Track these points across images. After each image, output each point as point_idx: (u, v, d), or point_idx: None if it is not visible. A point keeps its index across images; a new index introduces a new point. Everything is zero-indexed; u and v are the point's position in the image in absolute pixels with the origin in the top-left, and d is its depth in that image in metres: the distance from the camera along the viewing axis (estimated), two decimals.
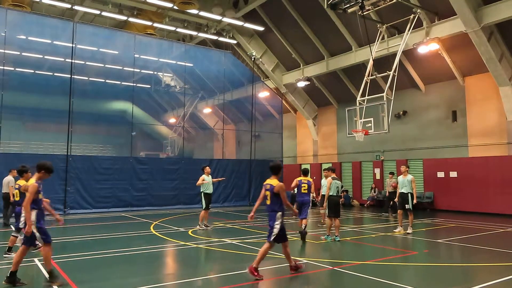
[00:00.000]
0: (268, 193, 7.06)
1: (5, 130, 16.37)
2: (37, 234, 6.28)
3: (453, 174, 18.28)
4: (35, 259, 7.91)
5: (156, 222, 14.07)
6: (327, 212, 10.68)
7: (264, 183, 7.28)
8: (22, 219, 6.72)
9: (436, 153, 19.23)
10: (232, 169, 22.08)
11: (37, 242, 6.94)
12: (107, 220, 15.02)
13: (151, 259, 8.65)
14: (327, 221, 10.83)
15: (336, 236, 10.44)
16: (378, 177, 21.58)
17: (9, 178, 13.05)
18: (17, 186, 8.75)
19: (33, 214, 6.29)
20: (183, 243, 10.10)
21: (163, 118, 28.50)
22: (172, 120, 27.88)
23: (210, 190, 12.85)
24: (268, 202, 7.09)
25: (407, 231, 11.66)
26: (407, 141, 20.45)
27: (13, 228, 8.58)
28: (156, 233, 11.71)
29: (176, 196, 19.82)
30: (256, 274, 6.69)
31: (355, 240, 10.64)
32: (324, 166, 25.11)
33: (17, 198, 8.67)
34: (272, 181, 7.10)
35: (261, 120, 24.93)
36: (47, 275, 6.36)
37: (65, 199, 16.78)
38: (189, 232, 11.89)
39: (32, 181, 6.39)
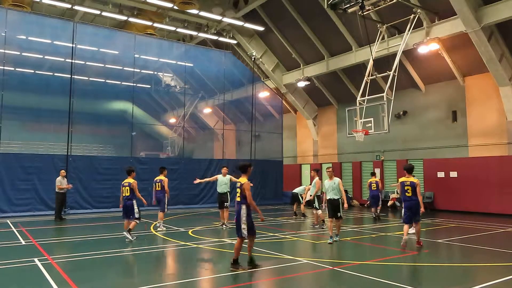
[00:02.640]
0: (409, 187, 9.49)
1: (5, 130, 16.36)
2: (243, 226, 7.23)
3: (453, 174, 18.28)
4: (36, 259, 7.92)
5: (156, 222, 14.06)
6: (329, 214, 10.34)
7: (402, 181, 9.68)
8: (136, 210, 10.20)
9: (436, 153, 19.23)
10: (232, 169, 22.00)
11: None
12: (107, 220, 15.02)
13: (151, 259, 8.66)
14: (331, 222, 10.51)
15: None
16: (378, 177, 21.54)
17: (58, 179, 15.06)
18: (126, 184, 10.32)
19: (244, 208, 7.25)
20: (183, 243, 10.10)
21: (163, 118, 28.49)
22: (172, 120, 27.88)
23: (219, 189, 13.36)
24: (409, 194, 9.52)
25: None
26: (407, 141, 20.45)
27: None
28: (156, 233, 11.71)
29: (176, 196, 19.75)
30: (421, 244, 9.58)
31: (355, 240, 10.64)
32: (324, 166, 25.13)
33: (127, 194, 10.28)
34: (411, 179, 9.59)
35: (261, 120, 24.92)
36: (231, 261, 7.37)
37: (65, 199, 16.74)
38: (189, 232, 11.89)
39: (245, 180, 7.39)
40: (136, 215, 10.31)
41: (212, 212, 17.79)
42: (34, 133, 21.72)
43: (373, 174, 16.61)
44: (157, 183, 12.36)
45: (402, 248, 9.11)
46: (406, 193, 9.57)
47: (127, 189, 10.32)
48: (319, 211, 13.12)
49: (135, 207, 10.33)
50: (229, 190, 13.40)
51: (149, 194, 19.19)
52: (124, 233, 10.27)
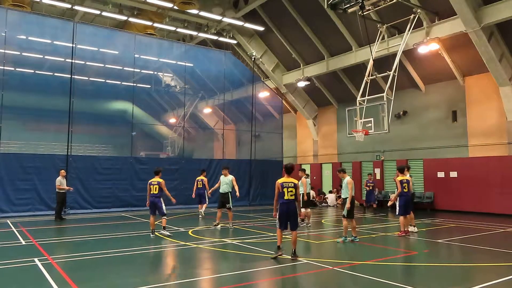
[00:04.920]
0: (406, 184, 11.37)
1: (5, 130, 16.34)
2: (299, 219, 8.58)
3: (453, 174, 18.28)
4: (36, 259, 7.93)
5: (156, 222, 14.03)
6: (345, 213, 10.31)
7: (401, 179, 11.41)
8: (164, 206, 11.15)
9: (436, 153, 19.23)
10: (232, 169, 21.94)
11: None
12: (107, 220, 15.02)
13: (151, 259, 8.66)
14: (344, 222, 10.46)
15: (354, 236, 10.31)
16: (378, 177, 21.56)
17: (58, 179, 14.98)
18: (155, 182, 11.19)
19: (297, 205, 8.21)
20: (183, 243, 10.10)
21: (163, 118, 28.47)
22: (172, 120, 27.87)
23: (221, 189, 13.42)
24: (406, 190, 11.34)
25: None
26: (407, 141, 20.45)
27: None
28: (156, 233, 11.70)
29: (176, 196, 19.47)
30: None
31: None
32: (324, 166, 25.19)
33: (156, 192, 11.14)
34: (406, 177, 11.59)
35: (261, 120, 24.91)
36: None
37: (65, 199, 16.76)
38: (189, 232, 11.89)
39: (296, 180, 8.28)
40: (164, 211, 11.25)
41: (212, 212, 17.76)
42: (34, 133, 21.71)
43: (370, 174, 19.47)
44: (198, 182, 15.54)
45: (408, 236, 11.01)
46: (404, 189, 11.33)
47: (155, 187, 11.19)
48: (308, 210, 13.43)
49: (163, 203, 11.26)
50: (230, 190, 13.32)
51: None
52: (162, 231, 11.23)
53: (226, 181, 13.31)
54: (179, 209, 19.27)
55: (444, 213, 17.64)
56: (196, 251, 9.37)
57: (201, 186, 15.48)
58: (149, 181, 11.42)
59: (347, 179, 10.32)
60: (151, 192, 11.21)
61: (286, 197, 8.02)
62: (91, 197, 17.76)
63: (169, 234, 11.15)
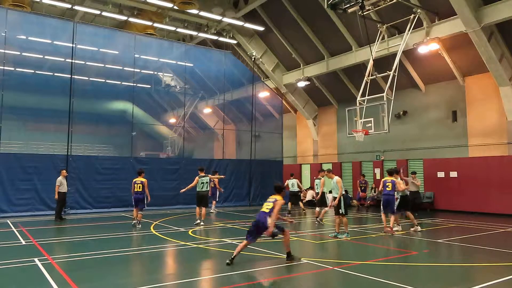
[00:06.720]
0: (390, 184, 11.61)
1: (5, 130, 16.34)
2: (275, 230, 7.81)
3: (453, 174, 18.28)
4: (36, 259, 7.93)
5: (156, 222, 14.07)
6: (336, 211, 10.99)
7: (384, 180, 11.91)
8: (145, 202, 12.73)
9: (436, 153, 19.23)
10: (232, 169, 22.06)
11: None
12: (107, 220, 15.03)
13: (151, 259, 8.66)
14: (336, 219, 10.97)
15: (346, 233, 10.82)
16: (378, 177, 21.56)
17: (58, 179, 14.94)
18: (139, 182, 12.62)
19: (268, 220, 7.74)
20: (183, 243, 10.10)
21: (163, 118, 28.46)
22: (172, 120, 27.86)
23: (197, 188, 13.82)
24: (389, 189, 11.64)
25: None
26: (407, 141, 20.45)
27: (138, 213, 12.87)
28: (156, 233, 11.71)
29: (176, 196, 19.68)
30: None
31: (355, 240, 10.64)
32: (324, 166, 25.15)
33: (140, 189, 12.60)
34: (392, 178, 11.75)
35: (261, 120, 24.91)
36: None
37: (66, 199, 16.75)
38: (189, 232, 11.90)
39: (280, 197, 8.04)
40: (145, 207, 12.88)
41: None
42: (34, 133, 21.71)
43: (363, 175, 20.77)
44: (210, 182, 15.85)
45: (391, 235, 11.12)
46: (387, 188, 11.69)
47: (139, 186, 12.60)
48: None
49: (145, 200, 12.80)
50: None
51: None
52: (134, 221, 12.78)
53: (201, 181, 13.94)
54: (179, 209, 19.28)
55: (444, 213, 17.64)
56: (196, 251, 9.37)
57: (212, 186, 16.58)
58: (134, 180, 12.79)
59: (336, 178, 11.05)
60: (135, 190, 12.64)
61: (262, 209, 7.97)
62: (91, 197, 17.75)
63: (139, 226, 12.68)
